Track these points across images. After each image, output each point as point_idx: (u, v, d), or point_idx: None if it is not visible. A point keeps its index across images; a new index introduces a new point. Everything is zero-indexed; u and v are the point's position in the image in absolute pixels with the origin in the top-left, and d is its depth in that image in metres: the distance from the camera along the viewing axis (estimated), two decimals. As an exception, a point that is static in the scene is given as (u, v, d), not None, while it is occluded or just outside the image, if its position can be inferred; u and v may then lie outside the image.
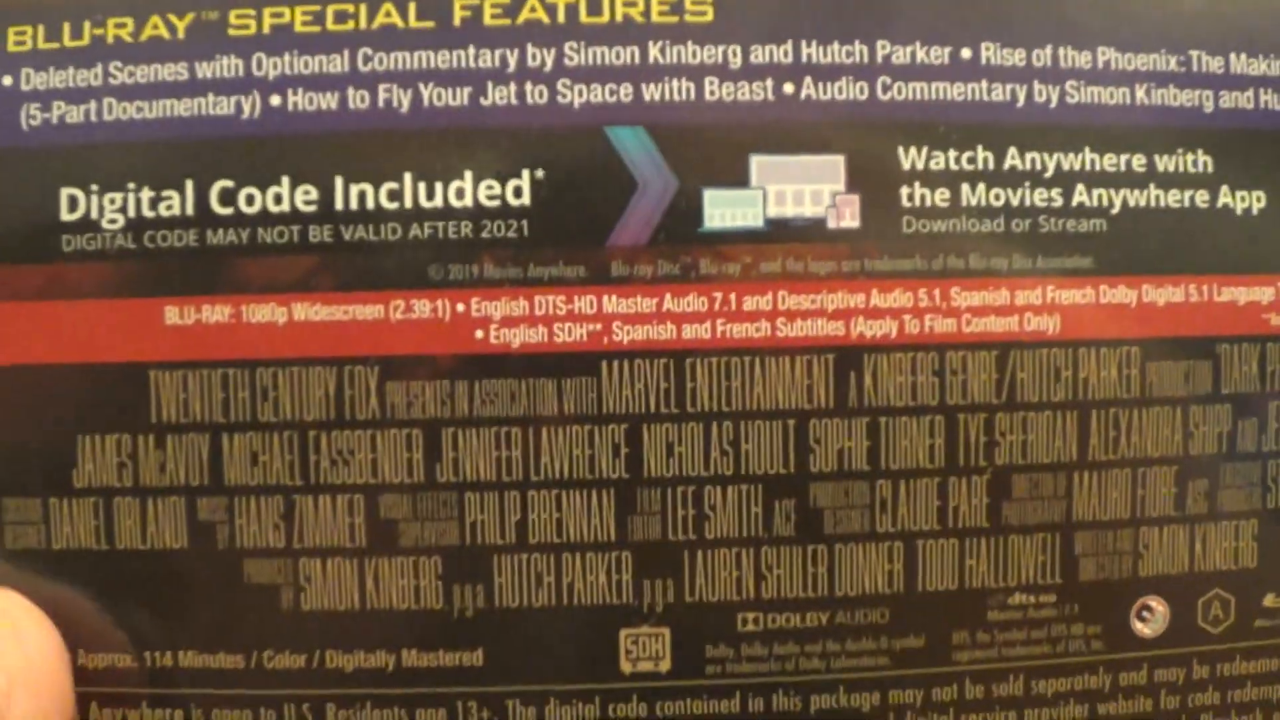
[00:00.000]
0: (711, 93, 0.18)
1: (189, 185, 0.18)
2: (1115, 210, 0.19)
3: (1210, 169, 0.20)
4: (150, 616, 0.19)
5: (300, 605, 0.19)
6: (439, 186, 0.18)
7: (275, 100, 0.18)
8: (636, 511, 0.19)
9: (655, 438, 0.19)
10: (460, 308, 0.18)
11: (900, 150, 0.19)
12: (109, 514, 0.19)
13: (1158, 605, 0.20)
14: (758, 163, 0.18)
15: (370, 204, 0.18)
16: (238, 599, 0.19)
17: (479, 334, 0.18)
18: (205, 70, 0.18)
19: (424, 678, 0.19)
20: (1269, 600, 0.20)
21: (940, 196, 0.19)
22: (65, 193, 0.19)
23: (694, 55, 0.18)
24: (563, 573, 0.19)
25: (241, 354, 0.18)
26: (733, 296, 0.18)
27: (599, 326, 0.18)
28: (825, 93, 0.19)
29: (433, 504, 0.18)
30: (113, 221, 0.18)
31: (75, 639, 0.19)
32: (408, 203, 0.18)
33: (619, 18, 0.18)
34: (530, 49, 0.18)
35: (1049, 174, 0.19)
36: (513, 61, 0.18)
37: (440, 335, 0.18)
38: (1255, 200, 0.20)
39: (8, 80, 0.18)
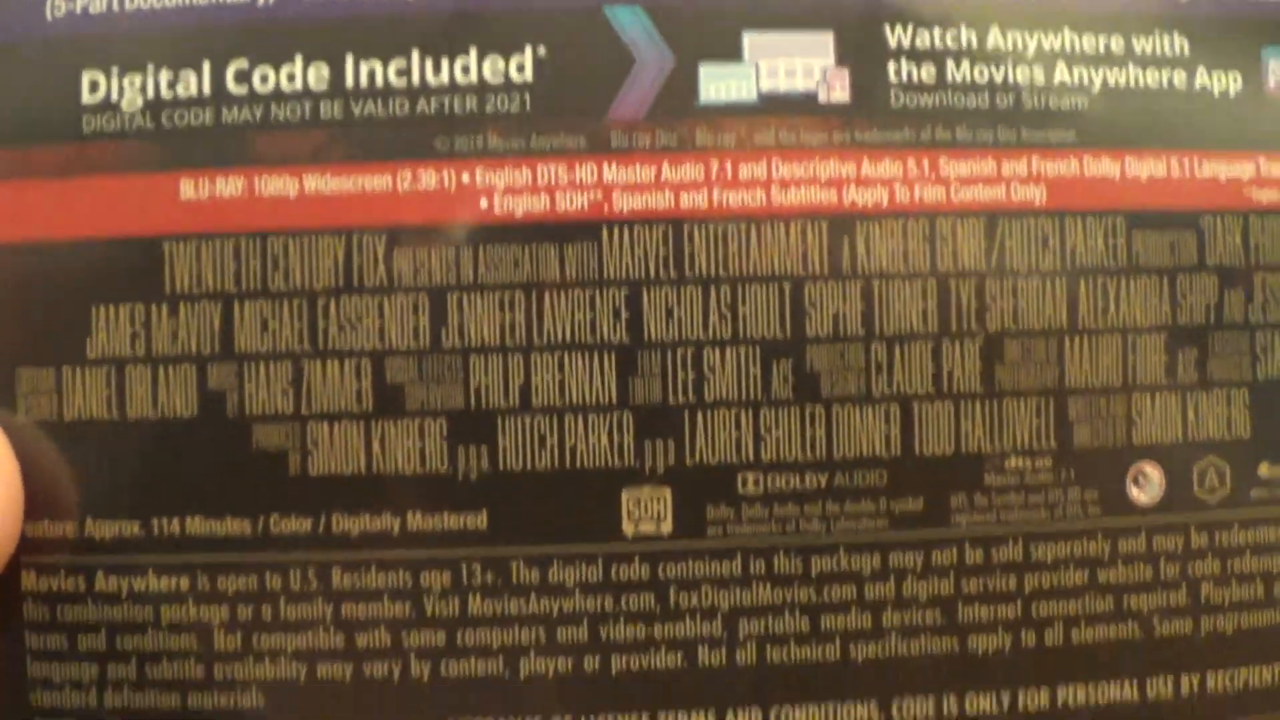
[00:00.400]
0: (705, -25, 0.19)
1: (205, 65, 0.19)
2: (1096, 88, 0.20)
3: (1186, 51, 0.20)
4: (158, 484, 0.19)
5: (307, 470, 0.19)
6: (445, 63, 0.19)
7: (289, -14, 0.19)
8: (637, 374, 0.19)
9: (655, 302, 0.19)
10: (465, 178, 0.19)
11: (887, 27, 0.19)
12: (121, 383, 0.19)
13: (1153, 471, 0.20)
14: (750, 39, 0.19)
15: (379, 81, 0.19)
16: (245, 465, 0.19)
17: (484, 203, 0.19)
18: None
19: (429, 540, 0.19)
20: (1264, 470, 0.20)
21: (926, 73, 0.19)
22: (87, 76, 0.19)
23: (688, -60, 0.19)
24: (565, 435, 0.19)
25: (254, 225, 0.19)
26: (728, 165, 0.19)
27: (599, 195, 0.19)
28: (814, -26, 0.19)
29: (438, 368, 0.19)
30: (132, 102, 0.19)
31: (83, 508, 0.19)
32: (415, 79, 0.19)
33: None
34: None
35: (1030, 53, 0.20)
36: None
37: (446, 204, 0.19)
38: (1231, 81, 0.20)
39: (36, -29, 0.19)
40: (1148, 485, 0.20)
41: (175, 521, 0.19)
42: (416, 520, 0.19)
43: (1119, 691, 0.20)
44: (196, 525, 0.19)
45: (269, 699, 0.19)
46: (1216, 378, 0.20)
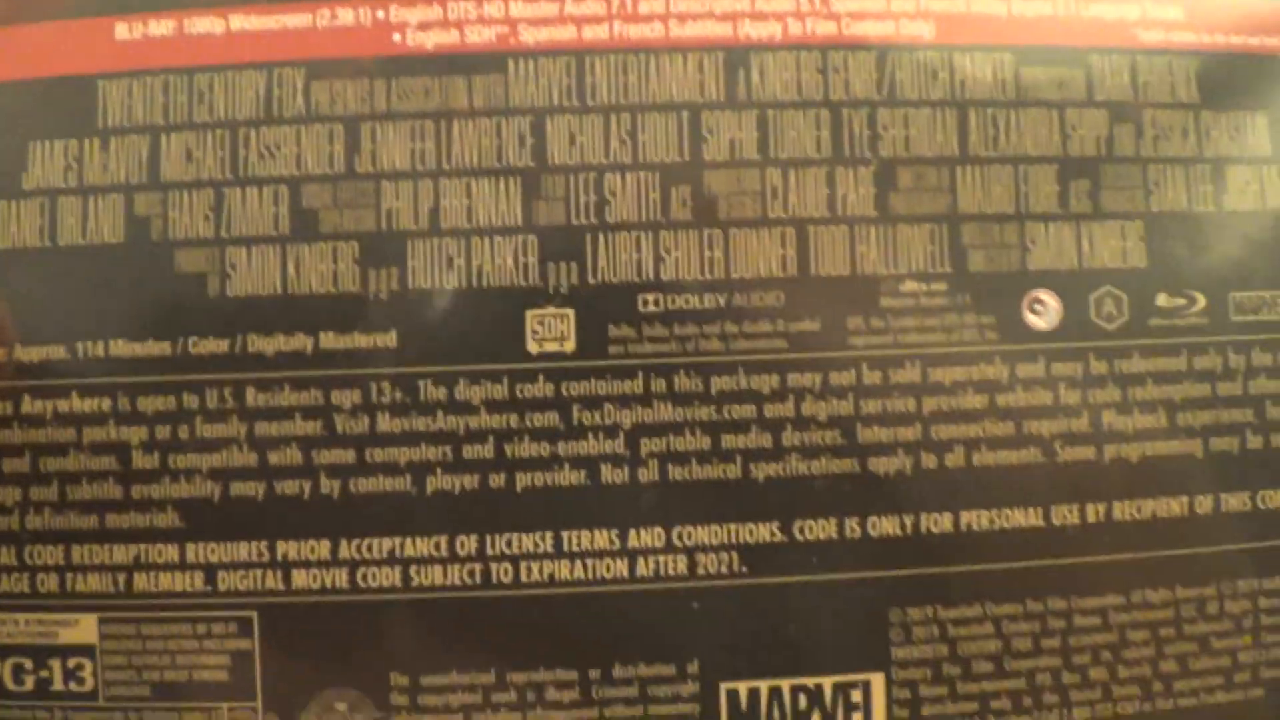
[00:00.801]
0: None
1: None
2: (983, -64, 0.21)
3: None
4: (85, 309, 0.20)
5: (226, 292, 0.20)
6: (364, -85, 0.20)
7: None
8: (541, 198, 0.20)
9: (558, 130, 0.20)
10: (380, 14, 0.20)
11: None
12: (53, 213, 0.20)
13: (1049, 298, 0.20)
14: (650, -110, 0.20)
15: (303, -68, 0.20)
16: (167, 288, 0.20)
17: (396, 37, 0.20)
18: None
19: (340, 360, 0.19)
20: (1162, 300, 0.20)
21: (819, -80, 0.20)
22: (35, -64, 0.21)
23: None
24: (472, 256, 0.19)
25: (182, 62, 0.20)
26: (629, 0, 0.20)
27: (506, 29, 0.20)
28: None
29: (351, 193, 0.20)
30: (74, -44, 0.20)
31: (14, 334, 0.20)
32: (336, -70, 0.20)
33: None
34: None
35: (914, -96, 0.21)
36: None
37: (362, 39, 0.20)
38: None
39: None
40: (1045, 312, 0.20)
41: (100, 345, 0.19)
42: (329, 340, 0.19)
43: (1023, 517, 0.20)
44: (120, 348, 0.19)
45: (184, 517, 0.19)
46: (1110, 209, 0.20)
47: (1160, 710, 0.20)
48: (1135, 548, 0.20)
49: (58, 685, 0.19)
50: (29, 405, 0.19)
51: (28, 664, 0.19)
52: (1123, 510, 0.20)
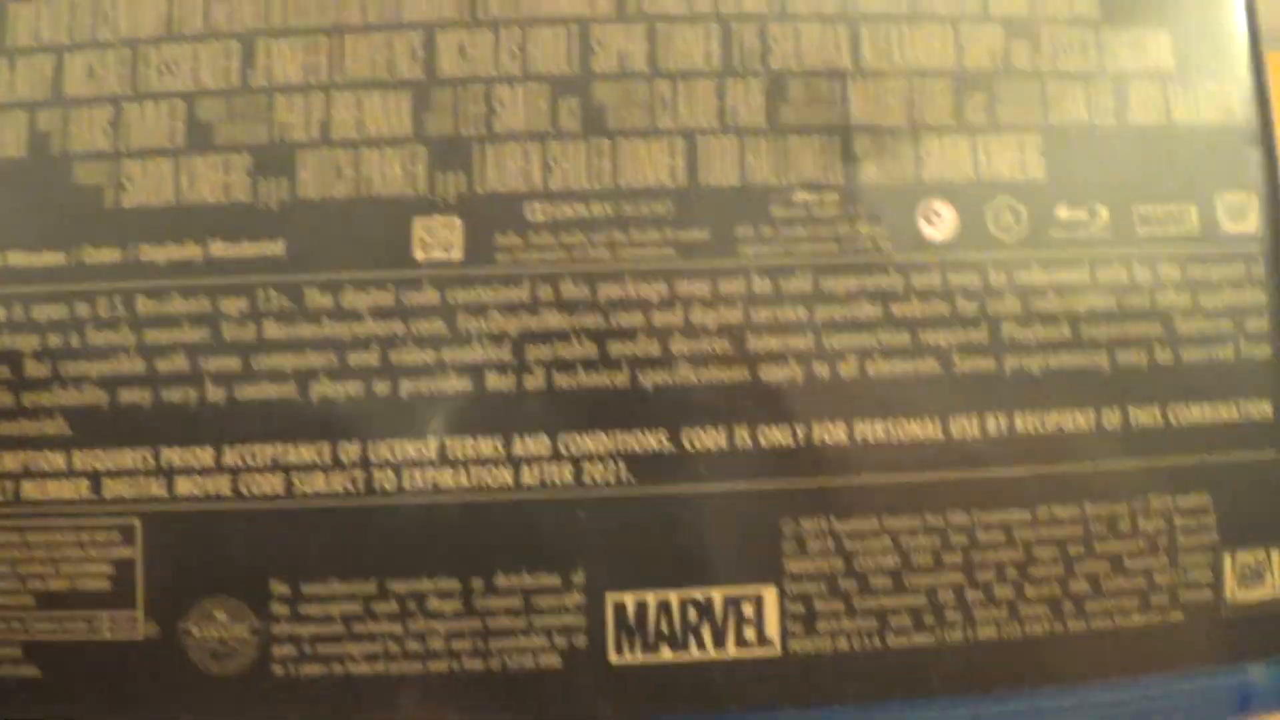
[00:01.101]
0: None
1: None
2: None
3: None
4: (-13, 223, 0.20)
5: (121, 204, 0.20)
6: None
7: None
8: (430, 109, 0.20)
9: (448, 42, 0.20)
10: (278, -64, 0.20)
11: None
12: (-40, 131, 0.20)
13: (944, 209, 0.20)
14: None
15: None
16: (65, 200, 0.20)
17: (293, -43, 0.20)
18: None
19: (229, 268, 0.19)
20: (1062, 212, 0.20)
21: None
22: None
23: None
24: (361, 166, 0.19)
25: (88, -15, 0.20)
26: (519, -80, 0.20)
27: (399, -53, 0.20)
28: None
29: (245, 106, 0.20)
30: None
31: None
32: None
33: None
34: None
35: None
36: None
37: (260, -40, 0.20)
38: None
39: None
40: (939, 222, 0.20)
41: (-2, 256, 0.20)
42: (219, 249, 0.19)
43: (920, 429, 0.19)
44: (16, 258, 0.20)
45: (72, 425, 0.19)
46: (1007, 122, 0.20)
47: (1072, 631, 0.19)
48: (1040, 461, 0.19)
49: (-59, 594, 0.19)
50: (-73, 317, 0.20)
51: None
52: (1025, 423, 0.19)
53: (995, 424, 0.19)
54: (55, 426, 0.19)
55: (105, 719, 0.19)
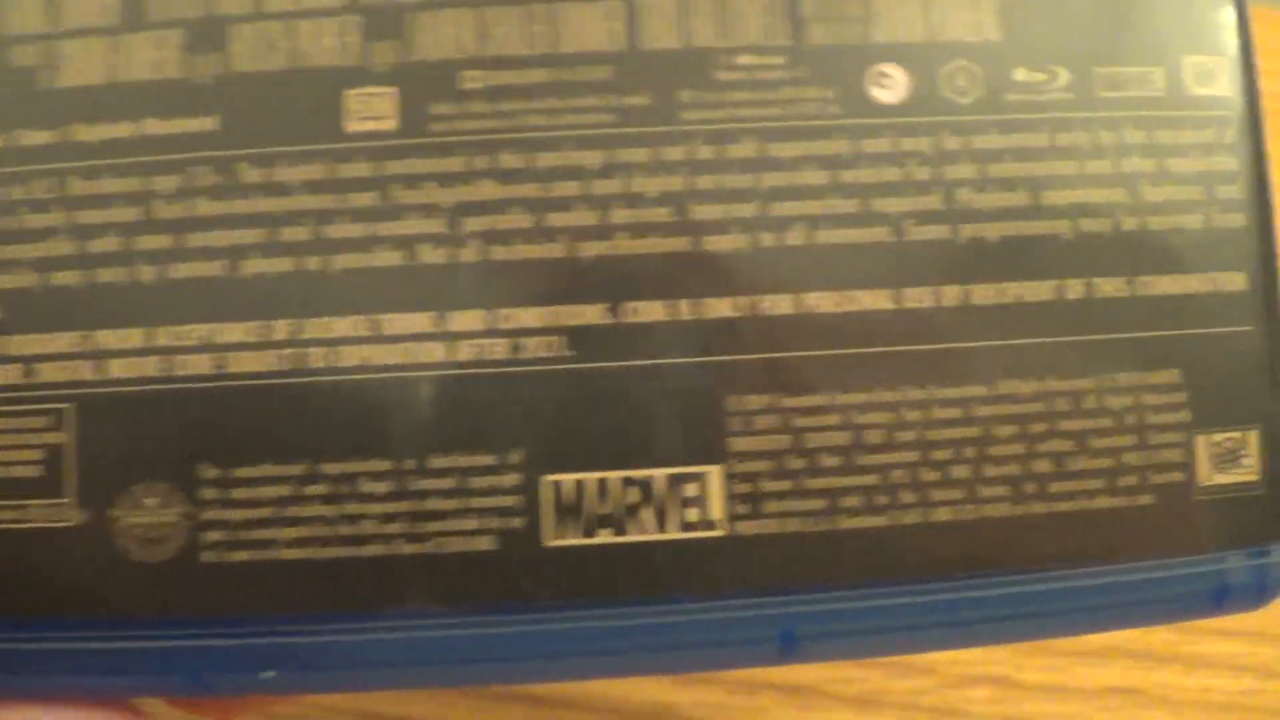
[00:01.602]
0: None
1: None
2: None
3: None
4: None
5: (54, 84, 0.19)
6: None
7: None
8: (364, -21, 0.19)
9: (382, -86, 0.19)
10: None
11: None
12: (-104, 17, 0.20)
13: (895, 72, 0.19)
14: None
15: None
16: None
17: None
18: None
19: (161, 145, 0.19)
20: (1020, 74, 0.19)
21: None
22: None
23: None
24: (295, 38, 0.19)
25: None
26: None
27: None
28: None
29: (177, -18, 0.19)
30: None
31: None
32: None
33: None
34: None
35: None
36: None
37: None
38: None
39: None
40: (891, 85, 0.19)
41: (-68, 141, 0.19)
42: (152, 126, 0.19)
43: (872, 299, 0.18)
44: (-50, 143, 0.19)
45: (5, 308, 0.18)
46: (961, -19, 0.19)
47: (1034, 514, 0.18)
48: (999, 334, 0.18)
49: None
50: None
51: None
52: (982, 293, 0.18)
53: (951, 294, 0.18)
54: (-14, 311, 0.18)
55: (32, 608, 0.18)
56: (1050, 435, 0.18)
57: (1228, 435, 0.19)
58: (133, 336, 0.18)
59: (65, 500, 0.18)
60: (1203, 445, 0.19)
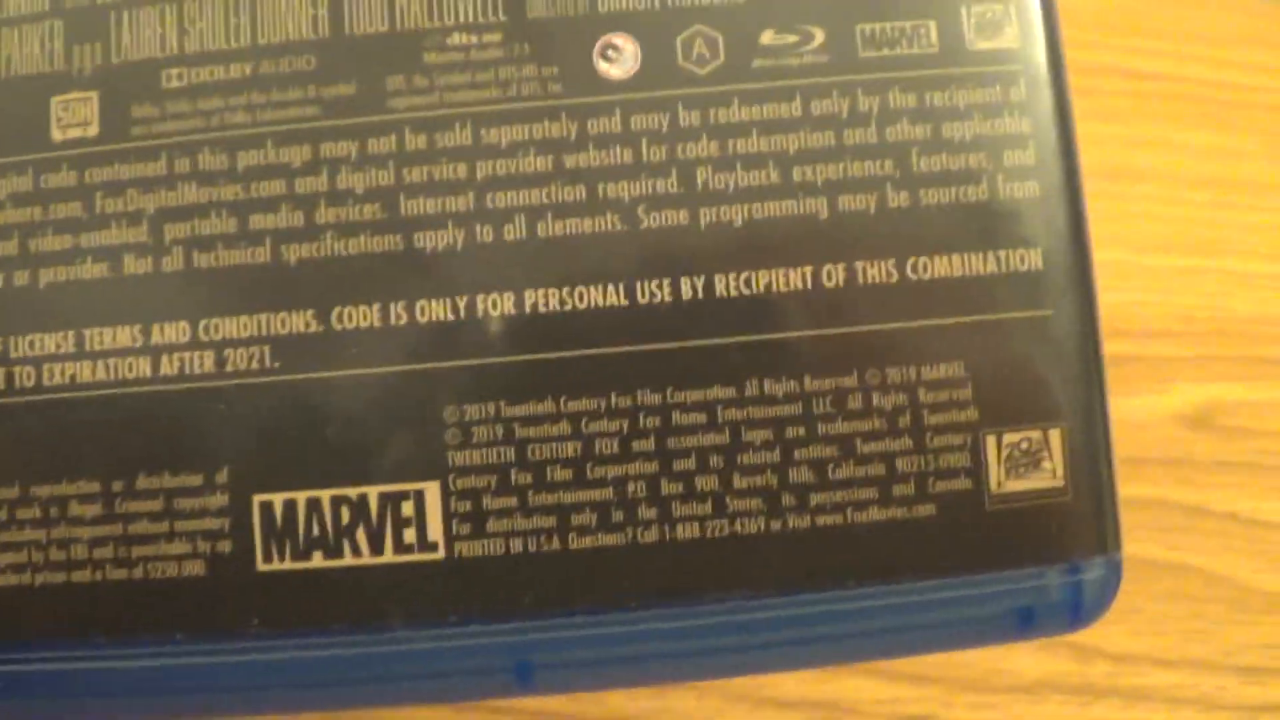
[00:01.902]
0: None
1: None
2: None
3: None
4: None
5: None
6: None
7: None
8: (66, -21, 0.18)
9: (89, -93, 0.18)
10: None
11: None
12: None
13: (624, 42, 0.17)
14: None
15: None
16: None
17: None
18: None
19: None
20: (767, 37, 0.17)
21: None
22: None
23: None
24: (3, 46, 0.18)
25: None
26: None
27: None
28: None
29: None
30: None
31: None
32: None
33: None
34: None
35: None
36: None
37: None
38: None
39: None
40: (619, 58, 0.17)
41: None
42: None
43: (601, 295, 0.16)
44: None
45: None
46: (697, -60, 0.17)
47: (795, 530, 0.16)
48: (747, 329, 0.16)
49: None
50: None
51: None
52: (726, 284, 0.16)
53: (690, 287, 0.16)
54: None
55: None
56: (809, 441, 0.16)
57: (1024, 435, 0.16)
58: None
59: None
60: (993, 447, 0.16)
